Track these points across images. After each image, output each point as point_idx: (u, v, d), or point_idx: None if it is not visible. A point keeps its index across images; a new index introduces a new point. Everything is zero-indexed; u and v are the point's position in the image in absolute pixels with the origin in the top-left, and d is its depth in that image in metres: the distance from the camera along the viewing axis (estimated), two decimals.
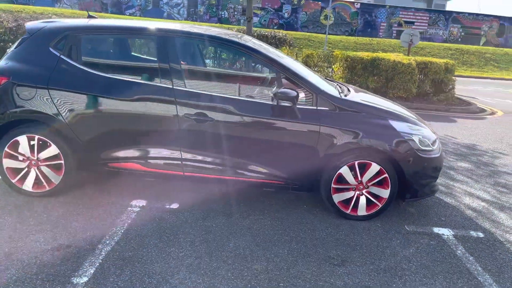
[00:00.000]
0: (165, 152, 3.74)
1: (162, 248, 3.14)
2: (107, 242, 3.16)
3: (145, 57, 4.22)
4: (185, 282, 2.76)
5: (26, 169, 3.77)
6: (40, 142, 3.69)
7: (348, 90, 4.29)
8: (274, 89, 3.67)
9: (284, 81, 3.93)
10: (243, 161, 3.74)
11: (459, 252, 3.42)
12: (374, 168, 3.68)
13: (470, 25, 32.83)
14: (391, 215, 3.97)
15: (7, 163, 3.76)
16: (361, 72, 10.06)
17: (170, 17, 29.28)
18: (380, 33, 31.77)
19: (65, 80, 3.64)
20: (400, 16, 31.94)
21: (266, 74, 4.49)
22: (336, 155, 3.66)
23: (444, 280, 3.01)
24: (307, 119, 3.63)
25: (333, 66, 10.95)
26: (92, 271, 2.80)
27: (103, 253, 3.01)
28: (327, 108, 3.67)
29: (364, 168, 3.70)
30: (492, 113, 10.55)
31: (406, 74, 9.90)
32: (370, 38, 28.10)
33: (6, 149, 3.72)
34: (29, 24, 3.94)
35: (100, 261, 2.91)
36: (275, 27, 29.77)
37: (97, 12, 26.26)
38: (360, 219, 3.83)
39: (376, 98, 4.46)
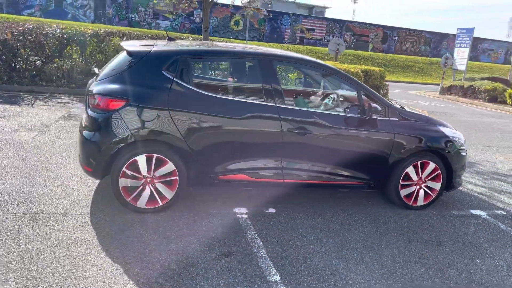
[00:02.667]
0: (269, 163, 4.19)
1: (303, 245, 3.64)
2: (256, 245, 3.56)
3: (248, 78, 4.58)
4: (347, 269, 3.33)
5: (141, 187, 3.93)
6: (157, 161, 3.89)
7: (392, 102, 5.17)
8: (370, 105, 4.33)
9: (350, 96, 4.70)
10: (333, 167, 4.38)
11: (502, 226, 4.50)
12: (431, 166, 4.60)
13: (360, 33, 36.67)
14: (433, 204, 4.92)
15: (124, 182, 3.87)
16: None
17: (75, 18, 27.59)
18: (285, 39, 33.83)
19: (181, 101, 3.89)
20: (302, 23, 34.39)
21: (334, 90, 5.15)
22: (405, 157, 4.50)
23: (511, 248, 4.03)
24: (384, 129, 4.41)
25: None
26: (274, 270, 3.22)
27: (264, 255, 3.42)
28: (396, 119, 4.50)
29: (423, 166, 4.60)
30: None
31: None
32: (298, 46, 29.79)
33: (123, 169, 3.84)
34: (132, 47, 4.08)
35: (271, 261, 3.33)
36: (187, 32, 29.96)
37: None
38: (418, 209, 4.72)
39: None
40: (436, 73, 32.23)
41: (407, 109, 4.94)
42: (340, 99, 4.88)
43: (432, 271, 3.46)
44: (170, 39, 4.46)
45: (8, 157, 5.07)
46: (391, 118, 4.47)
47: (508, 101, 16.21)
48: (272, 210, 4.32)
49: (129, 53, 4.02)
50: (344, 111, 4.40)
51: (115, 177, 3.83)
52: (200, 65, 4.22)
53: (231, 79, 4.54)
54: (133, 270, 3.03)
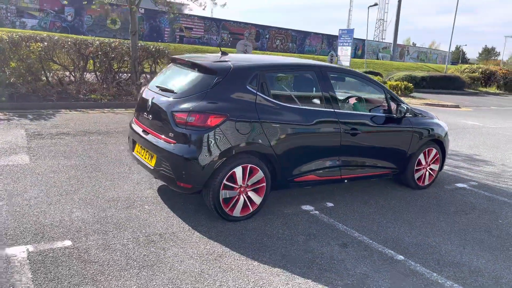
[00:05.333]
0: (331, 162, 4.74)
1: (381, 227, 4.31)
2: (355, 235, 4.12)
3: (310, 87, 4.94)
4: (433, 243, 4.12)
5: (236, 196, 4.12)
6: (250, 170, 4.14)
7: None
8: (399, 106, 5.14)
9: (374, 99, 5.51)
10: (375, 160, 5.14)
11: (486, 193, 5.81)
12: (434, 151, 5.69)
13: (236, 31, 38.12)
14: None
15: (224, 194, 4.03)
16: None
17: None
18: (165, 38, 33.38)
19: (266, 113, 4.17)
20: (181, 22, 34.34)
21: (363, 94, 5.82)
22: (419, 146, 5.48)
23: None
24: (406, 124, 5.32)
25: None
26: (402, 257, 3.83)
27: (367, 239, 4.01)
28: (411, 115, 5.44)
29: (429, 153, 5.66)
30: None
31: None
32: (181, 45, 29.37)
33: (224, 181, 4.00)
34: (215, 65, 4.19)
35: (370, 239, 3.93)
36: (58, 31, 27.51)
37: None
38: (424, 188, 5.77)
39: None
40: None
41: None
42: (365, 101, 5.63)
43: (480, 233, 4.46)
44: (224, 53, 4.65)
45: (36, 186, 4.63)
46: (407, 115, 5.39)
47: None
48: (330, 204, 4.87)
49: (209, 70, 4.15)
50: (369, 111, 5.16)
51: (217, 190, 3.97)
52: (274, 78, 4.53)
53: (301, 89, 4.95)
54: (293, 270, 3.34)
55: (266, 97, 4.24)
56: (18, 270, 3.01)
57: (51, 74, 10.49)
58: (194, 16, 36.11)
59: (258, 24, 39.72)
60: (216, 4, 11.85)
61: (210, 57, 4.58)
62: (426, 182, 5.76)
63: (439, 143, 5.76)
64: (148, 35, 32.37)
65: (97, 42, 10.89)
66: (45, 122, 7.75)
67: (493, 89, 28.95)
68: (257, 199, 4.25)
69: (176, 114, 3.99)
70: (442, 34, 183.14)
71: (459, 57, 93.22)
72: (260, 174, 4.19)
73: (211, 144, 3.88)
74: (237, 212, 4.14)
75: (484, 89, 28.57)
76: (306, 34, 43.46)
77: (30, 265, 3.08)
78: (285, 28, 41.81)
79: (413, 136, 5.38)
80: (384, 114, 5.15)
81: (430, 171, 5.75)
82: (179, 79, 4.47)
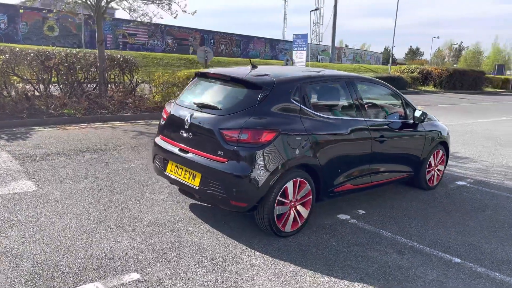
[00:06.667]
0: (364, 169, 4.82)
1: (414, 228, 4.47)
2: (403, 241, 4.23)
3: (341, 97, 4.94)
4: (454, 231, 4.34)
5: (287, 211, 4.07)
6: (299, 184, 4.10)
7: None
8: (414, 113, 5.35)
9: (387, 105, 5.68)
10: (397, 165, 5.31)
11: (486, 189, 6.20)
12: (441, 153, 6.00)
13: (180, 37, 37.61)
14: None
15: (277, 210, 3.96)
16: None
17: None
18: (108, 45, 32.08)
19: (310, 125, 4.16)
20: (123, 28, 33.20)
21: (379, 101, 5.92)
22: (431, 148, 5.74)
23: None
24: (419, 129, 5.54)
25: None
26: (459, 260, 3.97)
27: (416, 244, 4.14)
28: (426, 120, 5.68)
29: (437, 154, 5.95)
30: None
31: None
32: (127, 52, 28.27)
33: (278, 197, 3.93)
34: (259, 80, 4.09)
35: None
36: None
37: None
38: (433, 188, 6.05)
39: None
40: None
41: None
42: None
43: (507, 229, 4.76)
44: (254, 66, 4.58)
45: (61, 215, 4.29)
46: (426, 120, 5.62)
47: None
48: (362, 211, 4.96)
49: (253, 84, 4.07)
50: (385, 118, 5.33)
51: (271, 206, 3.90)
52: (312, 90, 4.52)
53: (335, 99, 4.97)
54: (373, 283, 3.37)
55: (307, 109, 4.23)
56: None
57: (13, 88, 9.69)
58: (136, 21, 35.08)
59: (203, 29, 39.47)
60: (185, 12, 11.58)
61: (243, 71, 4.48)
62: (435, 183, 6.04)
63: (444, 144, 6.06)
64: (90, 42, 30.92)
65: (62, 53, 10.24)
66: (25, 142, 7.16)
67: (430, 88, 30.92)
68: (305, 213, 4.23)
69: (225, 132, 3.86)
70: (370, 36, 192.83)
71: (388, 58, 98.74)
72: (307, 187, 4.17)
73: (266, 161, 3.80)
74: (288, 227, 4.09)
75: (423, 88, 30.44)
76: (249, 39, 43.84)
77: None
78: (229, 33, 41.89)
79: (426, 139, 5.62)
80: (400, 120, 5.33)
81: (437, 171, 6.04)
82: (218, 95, 4.34)
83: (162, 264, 3.43)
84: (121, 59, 11.37)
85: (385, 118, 5.31)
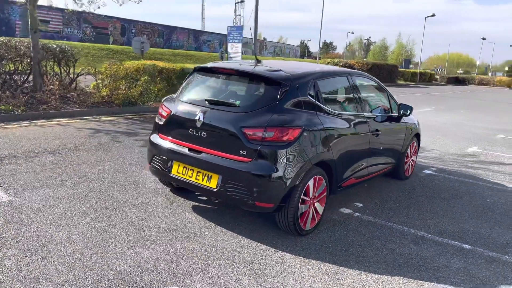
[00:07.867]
0: (363, 163, 4.89)
1: (407, 217, 4.68)
2: (412, 231, 4.38)
3: (346, 92, 4.88)
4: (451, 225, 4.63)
5: (307, 209, 3.99)
6: (318, 181, 4.05)
7: None
8: (399, 106, 5.54)
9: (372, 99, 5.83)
10: (386, 157, 5.47)
11: (449, 176, 6.66)
12: (415, 144, 6.33)
13: (99, 26, 35.40)
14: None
15: (301, 208, 3.87)
16: (176, 82, 11.20)
17: None
18: (17, 33, 29.21)
19: (325, 121, 4.11)
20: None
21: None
22: (409, 140, 6.02)
23: None
24: (402, 122, 5.78)
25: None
26: (469, 247, 4.18)
27: (425, 234, 4.31)
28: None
29: (412, 146, 6.26)
30: None
31: None
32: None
33: (302, 196, 3.84)
34: (275, 75, 3.93)
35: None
36: None
37: None
38: (408, 178, 6.36)
39: None
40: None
41: None
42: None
43: (489, 213, 5.15)
44: (258, 61, 4.42)
45: (56, 227, 3.79)
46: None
47: None
48: (360, 204, 5.06)
49: (271, 80, 3.92)
50: (372, 112, 5.48)
51: (295, 205, 3.80)
52: (323, 85, 4.45)
53: (342, 94, 4.93)
54: (414, 276, 3.45)
55: (321, 104, 4.18)
56: None
57: None
58: (51, 7, 32.34)
59: (123, 18, 37.50)
60: None
61: (249, 65, 4.29)
62: (410, 172, 6.35)
63: (417, 135, 6.39)
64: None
65: None
66: None
67: None
68: (320, 209, 4.19)
69: (247, 130, 3.67)
70: (287, 29, 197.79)
71: (305, 51, 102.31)
72: (324, 184, 4.15)
73: (292, 159, 3.69)
74: (308, 225, 4.03)
75: None
76: (172, 29, 42.64)
77: None
78: (151, 23, 40.36)
79: (406, 131, 5.88)
80: (387, 114, 5.50)
81: (411, 162, 6.35)
82: (232, 91, 4.11)
83: (199, 274, 3.18)
84: (58, 49, 10.37)
85: (374, 112, 5.44)
